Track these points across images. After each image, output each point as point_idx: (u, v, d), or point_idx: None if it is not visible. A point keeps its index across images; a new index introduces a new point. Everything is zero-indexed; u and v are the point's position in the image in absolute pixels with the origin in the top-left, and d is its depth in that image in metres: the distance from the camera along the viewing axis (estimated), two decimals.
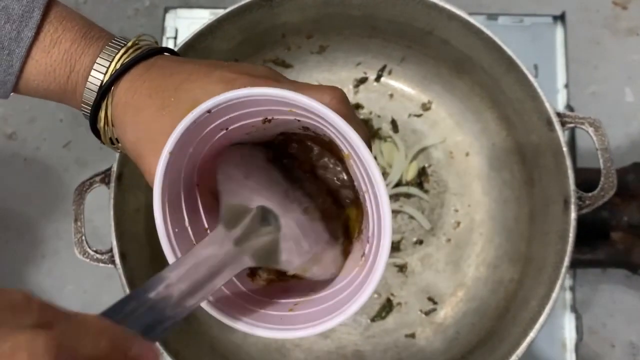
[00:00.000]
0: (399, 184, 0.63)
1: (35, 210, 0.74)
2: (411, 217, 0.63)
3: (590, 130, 0.52)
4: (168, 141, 0.31)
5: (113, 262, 0.51)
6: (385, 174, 0.64)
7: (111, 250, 0.51)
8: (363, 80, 0.65)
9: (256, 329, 0.32)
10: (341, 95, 0.33)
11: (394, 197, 0.63)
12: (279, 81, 0.35)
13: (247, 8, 0.55)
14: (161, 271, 0.29)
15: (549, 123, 0.53)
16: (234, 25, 0.56)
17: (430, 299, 0.61)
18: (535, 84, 0.53)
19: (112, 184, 0.52)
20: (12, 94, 0.38)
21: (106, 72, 0.36)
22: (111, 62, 0.36)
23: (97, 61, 0.36)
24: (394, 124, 0.65)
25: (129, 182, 0.53)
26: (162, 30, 0.69)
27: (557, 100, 0.67)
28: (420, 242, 0.63)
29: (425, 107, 0.65)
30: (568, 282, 0.64)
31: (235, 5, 0.55)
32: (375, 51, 0.64)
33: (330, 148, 0.37)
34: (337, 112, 0.30)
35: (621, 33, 0.76)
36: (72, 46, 0.36)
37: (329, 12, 0.59)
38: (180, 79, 0.34)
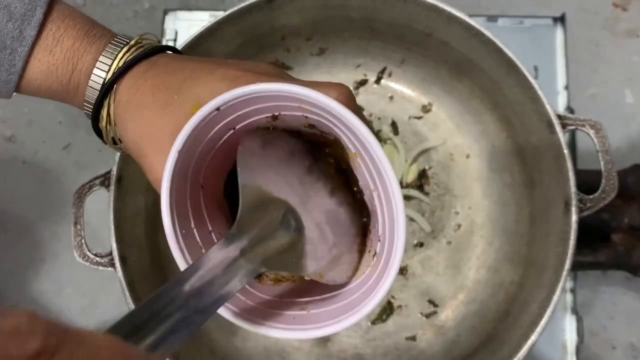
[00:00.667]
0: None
1: (35, 213, 0.73)
2: (411, 220, 0.63)
3: (591, 132, 0.52)
4: (177, 139, 0.30)
5: (113, 265, 0.51)
6: None
7: (111, 253, 0.51)
8: (363, 83, 0.65)
9: (272, 330, 0.31)
10: (348, 92, 0.33)
11: None
12: (283, 78, 0.34)
13: (247, 10, 0.55)
14: (174, 278, 0.28)
15: (550, 125, 0.52)
16: (234, 28, 0.56)
17: (431, 302, 0.61)
18: (536, 86, 0.53)
19: (112, 187, 0.52)
20: (13, 93, 0.38)
21: (108, 70, 0.36)
22: (114, 60, 0.36)
23: (99, 59, 0.36)
24: (394, 126, 0.64)
25: (128, 185, 0.53)
26: (162, 32, 0.69)
27: (557, 102, 0.67)
28: (420, 244, 0.62)
29: (426, 109, 0.65)
30: (569, 284, 0.64)
31: (235, 8, 0.55)
32: (375, 53, 0.64)
33: (334, 148, 0.36)
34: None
35: (621, 34, 0.76)
36: (75, 44, 0.36)
37: (329, 15, 0.59)
38: (183, 77, 0.34)
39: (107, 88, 0.36)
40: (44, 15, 0.36)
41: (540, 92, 0.53)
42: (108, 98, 0.36)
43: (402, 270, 0.62)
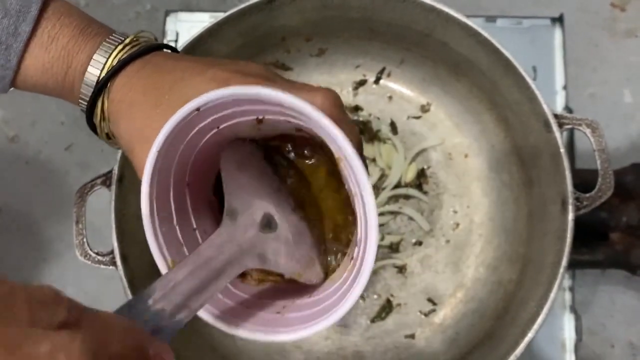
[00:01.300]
0: (398, 185, 0.64)
1: (37, 212, 0.74)
2: (410, 219, 0.63)
3: (588, 131, 0.52)
4: (156, 139, 0.31)
5: (114, 263, 0.52)
6: (384, 176, 0.64)
7: (112, 252, 0.52)
8: (362, 83, 0.66)
9: (254, 333, 0.32)
10: (334, 97, 0.33)
11: (393, 199, 0.64)
12: (273, 80, 0.35)
13: (247, 11, 0.56)
14: (166, 273, 0.29)
15: (547, 125, 0.53)
16: (234, 29, 0.56)
17: (430, 300, 0.62)
18: (533, 86, 0.53)
19: (114, 186, 0.52)
20: (13, 94, 0.39)
21: (102, 68, 0.36)
22: (107, 58, 0.36)
23: (93, 57, 0.36)
24: (393, 126, 0.65)
25: (130, 184, 0.53)
26: (163, 33, 0.70)
27: (555, 102, 0.67)
28: (419, 243, 0.63)
29: (424, 109, 0.65)
30: (567, 283, 0.64)
31: (235, 9, 0.55)
32: (374, 53, 0.64)
33: (324, 150, 0.37)
34: (328, 115, 0.30)
35: (620, 35, 0.77)
36: (70, 43, 0.37)
37: (328, 15, 0.59)
38: (175, 77, 0.35)
39: (101, 86, 0.36)
40: (39, 11, 0.36)
41: (537, 92, 0.53)
42: (102, 96, 0.36)
43: (401, 269, 0.62)
